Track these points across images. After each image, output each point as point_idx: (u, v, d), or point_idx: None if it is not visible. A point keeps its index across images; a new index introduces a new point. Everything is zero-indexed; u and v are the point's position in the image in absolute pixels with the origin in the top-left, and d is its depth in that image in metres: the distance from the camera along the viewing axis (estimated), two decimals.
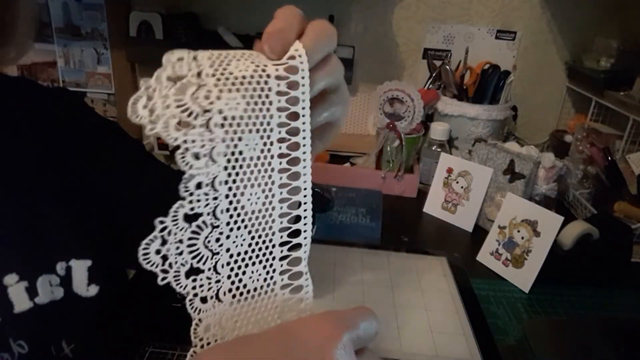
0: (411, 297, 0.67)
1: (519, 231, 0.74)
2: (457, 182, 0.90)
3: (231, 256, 0.27)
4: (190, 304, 0.26)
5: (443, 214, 0.92)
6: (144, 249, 0.25)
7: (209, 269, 0.26)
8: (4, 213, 0.39)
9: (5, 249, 0.38)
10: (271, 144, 0.27)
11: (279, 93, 0.27)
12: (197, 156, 0.25)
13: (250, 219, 0.27)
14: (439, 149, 1.01)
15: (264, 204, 0.27)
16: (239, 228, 0.27)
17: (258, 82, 0.26)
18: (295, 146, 0.27)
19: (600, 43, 1.12)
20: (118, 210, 0.46)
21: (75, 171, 0.44)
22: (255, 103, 0.26)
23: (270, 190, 0.27)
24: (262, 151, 0.27)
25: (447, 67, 1.07)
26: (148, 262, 0.25)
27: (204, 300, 0.26)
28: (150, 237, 0.25)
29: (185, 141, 0.24)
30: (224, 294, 0.27)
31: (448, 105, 1.06)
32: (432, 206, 0.94)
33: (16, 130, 0.42)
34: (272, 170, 0.27)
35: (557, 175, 0.86)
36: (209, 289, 0.26)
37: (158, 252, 0.25)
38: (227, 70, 0.26)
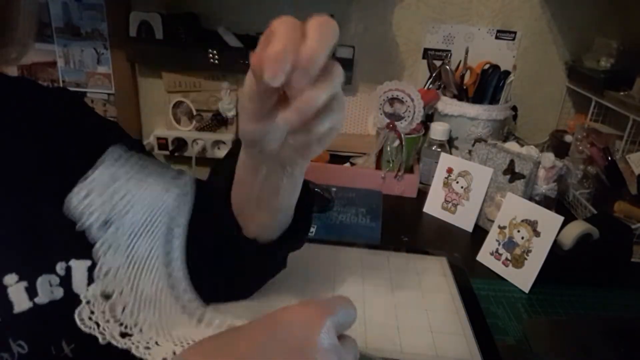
0: (411, 297, 0.67)
1: (519, 231, 0.74)
2: (457, 182, 0.90)
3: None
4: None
5: (443, 214, 0.92)
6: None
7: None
8: (4, 213, 0.39)
9: (5, 249, 0.38)
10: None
11: None
12: None
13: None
14: (439, 149, 1.01)
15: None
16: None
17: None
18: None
19: (600, 43, 1.12)
20: None
21: (75, 171, 0.44)
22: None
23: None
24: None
25: (447, 67, 1.07)
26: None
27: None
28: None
29: None
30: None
31: (448, 105, 1.06)
32: (432, 206, 0.94)
33: (16, 130, 0.42)
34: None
35: (557, 175, 0.86)
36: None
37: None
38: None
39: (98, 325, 0.30)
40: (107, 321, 0.31)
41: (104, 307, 0.32)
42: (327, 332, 0.28)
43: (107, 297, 0.32)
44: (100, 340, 0.30)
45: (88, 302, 0.31)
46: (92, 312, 0.31)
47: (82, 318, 0.30)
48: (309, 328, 0.27)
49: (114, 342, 0.30)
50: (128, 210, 0.33)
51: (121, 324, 0.32)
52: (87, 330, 0.31)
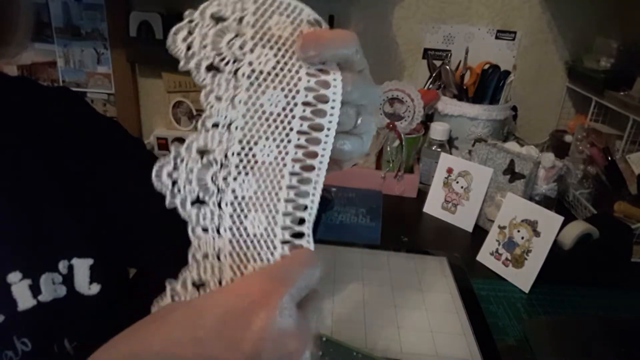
0: (411, 297, 0.67)
1: (519, 231, 0.74)
2: (457, 182, 0.90)
3: (235, 197, 0.28)
4: (192, 230, 0.28)
5: (443, 214, 0.92)
6: (157, 170, 0.27)
7: (213, 203, 0.28)
8: (6, 212, 0.39)
9: (8, 247, 0.38)
10: (295, 104, 0.27)
11: None
12: (219, 99, 0.27)
13: (259, 169, 0.28)
14: (439, 149, 1.01)
15: (275, 158, 0.28)
16: (247, 174, 0.28)
17: (291, 45, 0.27)
18: (321, 113, 0.28)
19: (600, 43, 1.12)
20: (119, 209, 0.46)
21: (76, 170, 0.44)
22: (285, 63, 0.27)
23: (285, 148, 0.28)
24: (283, 109, 0.27)
25: (447, 67, 1.07)
26: (159, 182, 0.27)
27: (205, 229, 0.28)
28: (164, 160, 0.27)
29: (212, 82, 0.27)
30: (224, 230, 0.28)
31: (448, 105, 1.06)
32: (432, 206, 0.94)
33: (17, 130, 0.42)
34: (291, 130, 0.28)
35: (557, 175, 0.86)
36: (211, 221, 0.28)
37: (169, 175, 0.27)
38: (267, 25, 0.26)
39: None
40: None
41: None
42: (279, 317, 0.24)
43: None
44: (167, 201, 0.27)
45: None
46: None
47: None
48: (255, 317, 0.24)
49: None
50: None
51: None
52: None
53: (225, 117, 0.27)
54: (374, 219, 0.88)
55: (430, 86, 1.12)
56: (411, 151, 1.02)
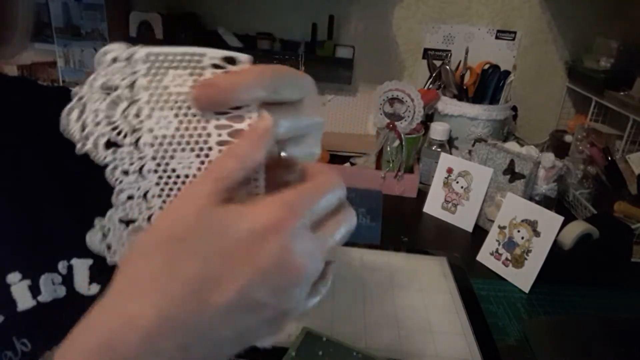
0: (411, 297, 0.67)
1: (519, 231, 0.74)
2: (457, 182, 0.90)
3: (155, 137, 0.25)
4: (111, 174, 0.26)
5: (443, 214, 0.92)
6: (66, 115, 0.25)
7: (130, 144, 0.25)
8: (6, 212, 0.39)
9: (8, 247, 0.38)
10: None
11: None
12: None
13: (176, 102, 0.25)
14: (439, 149, 1.01)
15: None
16: (161, 109, 0.25)
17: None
18: None
19: (600, 43, 1.12)
20: None
21: (76, 170, 0.44)
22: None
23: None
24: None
25: (447, 67, 1.07)
26: (69, 128, 0.25)
27: (125, 172, 0.26)
28: (70, 105, 0.25)
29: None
30: (148, 171, 0.26)
31: (448, 105, 1.06)
32: (432, 206, 0.94)
33: (17, 130, 0.42)
34: None
35: (557, 175, 0.86)
36: (131, 164, 0.26)
37: (78, 119, 0.25)
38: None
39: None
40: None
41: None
42: (295, 239, 0.22)
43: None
44: (78, 147, 0.25)
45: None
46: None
47: None
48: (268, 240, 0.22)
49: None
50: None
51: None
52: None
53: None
54: (374, 219, 0.88)
55: (430, 86, 1.12)
56: (411, 151, 1.02)
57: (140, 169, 0.25)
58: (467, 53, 1.09)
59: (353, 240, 0.80)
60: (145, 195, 0.26)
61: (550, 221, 0.71)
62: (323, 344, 0.54)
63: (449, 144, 1.05)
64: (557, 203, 0.92)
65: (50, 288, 0.39)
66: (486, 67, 1.07)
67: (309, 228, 0.24)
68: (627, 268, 0.78)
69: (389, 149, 1.00)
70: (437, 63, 1.13)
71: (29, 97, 0.45)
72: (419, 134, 1.03)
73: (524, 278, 0.72)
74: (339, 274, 0.71)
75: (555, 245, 0.72)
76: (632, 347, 0.59)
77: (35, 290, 0.38)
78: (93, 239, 0.26)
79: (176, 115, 0.25)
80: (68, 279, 0.40)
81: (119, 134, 0.25)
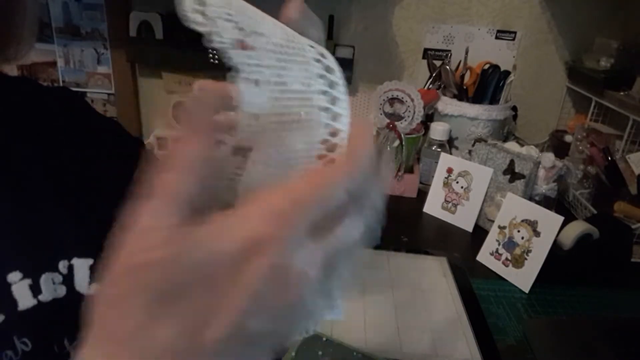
0: (411, 297, 0.67)
1: (519, 231, 0.74)
2: (457, 182, 0.90)
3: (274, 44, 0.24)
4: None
5: (443, 214, 0.92)
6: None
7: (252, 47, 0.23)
8: (6, 212, 0.39)
9: (8, 246, 0.38)
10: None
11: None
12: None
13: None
14: (439, 149, 1.01)
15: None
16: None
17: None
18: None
19: (600, 43, 1.12)
20: (119, 208, 0.46)
21: (76, 170, 0.44)
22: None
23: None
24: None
25: (447, 67, 1.07)
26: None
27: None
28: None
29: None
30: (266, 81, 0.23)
31: (448, 105, 1.06)
32: (432, 206, 0.94)
33: (17, 130, 0.42)
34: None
35: (557, 175, 0.86)
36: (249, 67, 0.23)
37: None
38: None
39: None
40: None
41: None
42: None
43: None
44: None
45: None
46: None
47: None
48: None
49: None
50: None
51: None
52: None
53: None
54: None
55: (430, 86, 1.12)
56: (411, 151, 1.02)
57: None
58: (467, 53, 1.09)
59: None
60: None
61: (550, 221, 0.71)
62: (323, 344, 0.54)
63: (449, 144, 1.05)
64: (557, 203, 0.92)
65: (51, 287, 0.39)
66: (486, 67, 1.07)
67: (305, 233, 0.20)
68: (627, 268, 0.78)
69: (389, 149, 1.00)
70: (437, 63, 1.13)
71: (29, 97, 0.45)
72: (419, 134, 1.03)
73: (524, 278, 0.72)
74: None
75: (555, 245, 0.72)
76: (632, 347, 0.59)
77: (36, 289, 0.38)
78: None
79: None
80: (68, 279, 0.40)
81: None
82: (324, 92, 0.24)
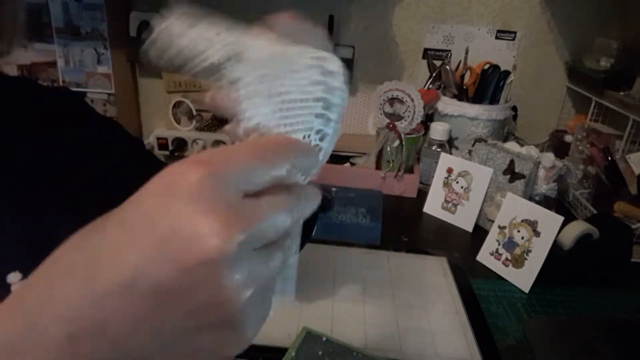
0: (411, 297, 0.67)
1: (519, 231, 0.74)
2: (457, 182, 0.90)
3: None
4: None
5: (443, 214, 0.92)
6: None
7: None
8: (6, 211, 0.39)
9: (8, 247, 0.38)
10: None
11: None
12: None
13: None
14: (439, 149, 1.01)
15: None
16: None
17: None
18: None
19: (600, 43, 1.12)
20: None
21: (76, 171, 0.44)
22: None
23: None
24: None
25: (447, 67, 1.07)
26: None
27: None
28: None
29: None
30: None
31: (448, 105, 1.06)
32: (432, 206, 0.94)
33: (17, 130, 0.42)
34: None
35: (557, 175, 0.86)
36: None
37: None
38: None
39: None
40: None
41: None
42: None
43: None
44: None
45: None
46: None
47: None
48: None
49: None
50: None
51: None
52: None
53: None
54: (374, 219, 0.88)
55: (430, 86, 1.12)
56: (411, 151, 1.02)
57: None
58: (467, 53, 1.09)
59: (353, 240, 0.80)
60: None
61: (550, 221, 0.71)
62: (323, 344, 0.54)
63: (449, 144, 1.05)
64: (557, 203, 0.92)
65: None
66: (486, 67, 1.07)
67: (243, 251, 0.20)
68: (627, 268, 0.78)
69: (389, 149, 1.00)
70: (437, 63, 1.13)
71: (29, 97, 0.45)
72: (419, 134, 1.03)
73: (524, 278, 0.72)
74: (339, 274, 0.71)
75: (555, 245, 0.72)
76: (632, 347, 0.59)
77: None
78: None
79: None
80: None
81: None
82: (320, 99, 0.25)
